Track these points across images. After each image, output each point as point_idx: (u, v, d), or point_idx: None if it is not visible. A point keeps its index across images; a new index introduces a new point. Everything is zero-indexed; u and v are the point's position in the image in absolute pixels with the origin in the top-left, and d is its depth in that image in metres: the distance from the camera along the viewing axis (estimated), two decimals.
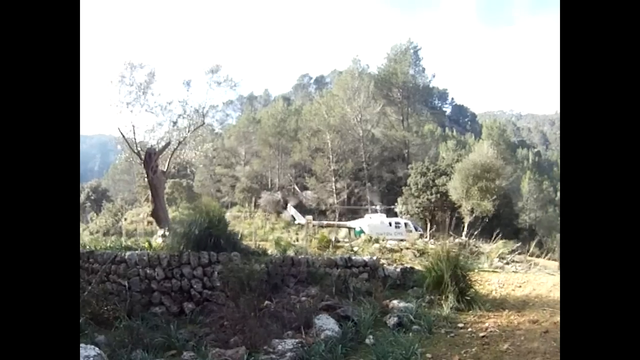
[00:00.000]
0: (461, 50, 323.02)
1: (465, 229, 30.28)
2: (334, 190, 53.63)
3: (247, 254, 14.74)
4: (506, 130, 68.90)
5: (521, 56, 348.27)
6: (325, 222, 34.45)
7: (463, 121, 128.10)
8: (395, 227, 29.52)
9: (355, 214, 50.36)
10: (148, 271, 13.55)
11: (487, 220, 35.08)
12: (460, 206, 35.35)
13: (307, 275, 14.68)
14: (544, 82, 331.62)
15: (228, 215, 53.29)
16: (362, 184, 54.06)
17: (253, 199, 59.05)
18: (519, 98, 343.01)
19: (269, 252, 16.42)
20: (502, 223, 39.61)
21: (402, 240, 26.52)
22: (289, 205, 33.90)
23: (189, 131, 24.57)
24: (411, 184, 43.12)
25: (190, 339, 10.55)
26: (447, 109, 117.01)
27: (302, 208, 55.53)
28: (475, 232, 24.29)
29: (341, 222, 36.28)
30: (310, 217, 31.72)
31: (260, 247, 17.47)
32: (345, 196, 53.35)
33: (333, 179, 54.14)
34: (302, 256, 15.83)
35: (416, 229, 29.98)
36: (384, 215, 31.01)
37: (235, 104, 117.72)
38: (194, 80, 26.10)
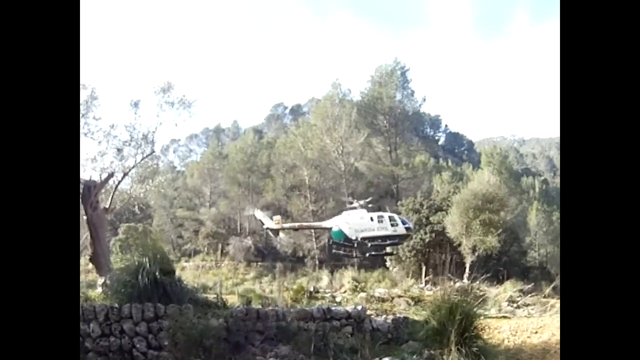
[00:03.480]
0: (455, 72, 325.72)
1: (467, 270, 29.56)
2: (313, 234, 52.43)
3: (204, 307, 13.85)
4: (508, 156, 68.65)
5: (522, 75, 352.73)
6: (297, 224, 33.58)
7: (459, 150, 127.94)
8: (379, 221, 28.56)
9: (338, 260, 49.40)
10: (81, 327, 12.63)
11: (494, 259, 34.32)
12: (460, 244, 34.46)
13: (277, 331, 13.78)
14: (548, 102, 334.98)
15: (191, 264, 52.31)
16: None
17: (219, 245, 57.89)
18: (521, 122, 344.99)
19: (231, 304, 15.52)
20: (509, 262, 39.09)
21: (385, 237, 26.52)
22: (254, 209, 33.11)
23: (136, 161, 23.68)
24: None
25: None
26: (441, 138, 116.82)
27: (276, 254, 54.52)
28: (481, 276, 23.72)
29: (314, 223, 35.48)
30: (278, 217, 30.67)
31: (221, 299, 16.46)
32: (326, 240, 52.24)
33: (312, 220, 52.99)
34: (270, 308, 14.89)
35: (404, 223, 28.99)
36: (365, 211, 30.06)
37: (200, 137, 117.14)
38: (144, 102, 25.21)
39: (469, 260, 32.75)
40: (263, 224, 29.50)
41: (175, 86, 25.62)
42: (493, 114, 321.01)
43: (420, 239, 39.75)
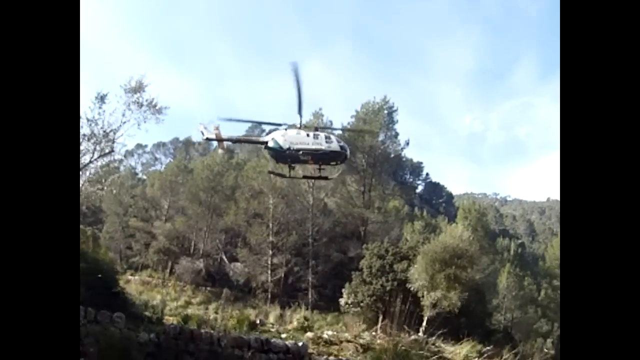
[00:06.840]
0: (445, 120, 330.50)
1: (424, 324, 29.63)
2: (269, 266, 52.10)
3: (136, 319, 13.74)
4: (487, 215, 69.06)
5: (514, 134, 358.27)
6: (235, 137, 33.98)
7: (437, 202, 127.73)
8: (314, 137, 29.39)
9: (291, 297, 49.09)
10: None
11: (454, 315, 34.25)
12: (422, 296, 34.23)
13: (209, 355, 13.63)
14: (536, 164, 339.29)
15: (137, 278, 51.71)
16: (304, 261, 52.79)
17: (169, 263, 57.24)
18: (505, 181, 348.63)
19: (166, 320, 15.44)
20: (471, 322, 38.97)
21: (318, 150, 27.92)
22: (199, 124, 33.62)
23: (92, 157, 23.49)
24: (364, 267, 42.05)
25: None
26: (419, 186, 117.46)
27: (227, 282, 54.09)
28: (438, 331, 23.87)
29: (252, 138, 36.73)
30: (217, 123, 31.11)
31: (158, 315, 16.37)
32: (282, 274, 51.99)
33: (270, 252, 52.59)
34: (206, 330, 14.78)
35: (339, 142, 29.86)
36: (301, 130, 30.98)
37: (168, 147, 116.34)
38: (110, 97, 25.21)
39: (427, 314, 32.62)
40: (203, 134, 29.87)
41: (148, 89, 25.80)
42: (477, 169, 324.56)
43: (381, 285, 39.64)
